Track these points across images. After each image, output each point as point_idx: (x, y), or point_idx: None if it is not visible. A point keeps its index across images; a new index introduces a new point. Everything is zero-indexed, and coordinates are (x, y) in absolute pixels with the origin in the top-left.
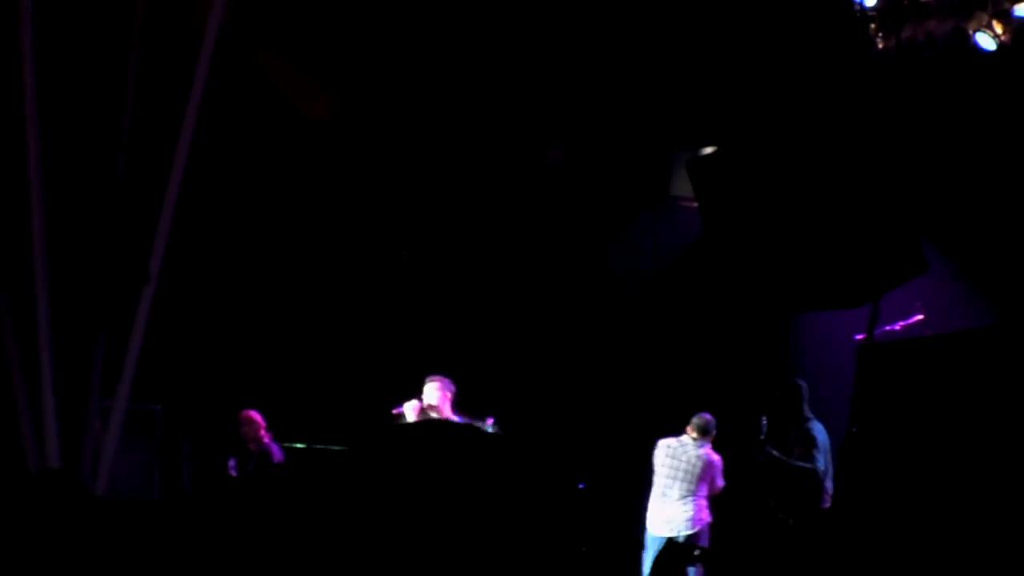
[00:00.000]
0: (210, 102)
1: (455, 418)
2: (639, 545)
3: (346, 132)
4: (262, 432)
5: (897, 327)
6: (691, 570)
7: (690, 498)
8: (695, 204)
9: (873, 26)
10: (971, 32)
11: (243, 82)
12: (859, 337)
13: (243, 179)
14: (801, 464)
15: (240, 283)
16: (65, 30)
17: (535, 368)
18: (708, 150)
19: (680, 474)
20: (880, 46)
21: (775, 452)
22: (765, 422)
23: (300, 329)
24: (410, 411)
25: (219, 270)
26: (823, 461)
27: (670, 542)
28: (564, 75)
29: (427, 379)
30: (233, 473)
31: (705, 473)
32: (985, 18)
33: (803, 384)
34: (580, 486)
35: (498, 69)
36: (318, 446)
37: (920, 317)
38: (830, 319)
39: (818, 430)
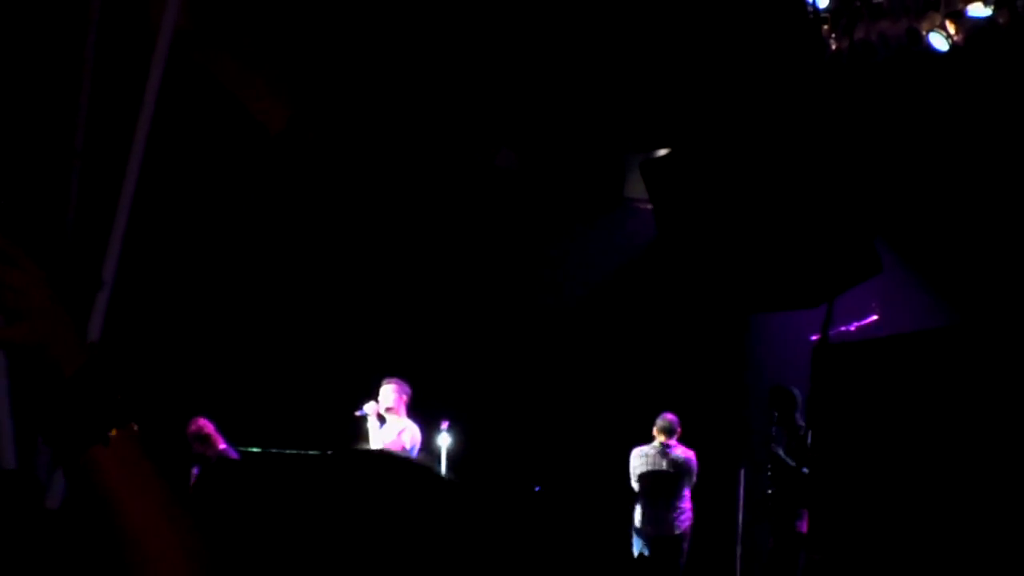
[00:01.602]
0: (165, 106)
1: (410, 421)
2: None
3: (303, 135)
4: (216, 439)
5: (852, 328)
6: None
7: (677, 500)
8: (649, 206)
9: (826, 27)
10: (924, 33)
11: (198, 87)
12: (814, 338)
13: (198, 183)
14: (794, 464)
15: (193, 288)
16: (17, 31)
17: (491, 370)
18: (662, 152)
19: (664, 478)
20: (833, 47)
21: (781, 453)
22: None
23: (254, 333)
24: (372, 413)
25: (173, 275)
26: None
27: (659, 545)
28: (516, 78)
29: (384, 381)
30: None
31: (687, 472)
32: (938, 19)
33: (796, 392)
34: (536, 489)
35: (450, 73)
36: (273, 450)
37: (875, 317)
38: (786, 320)
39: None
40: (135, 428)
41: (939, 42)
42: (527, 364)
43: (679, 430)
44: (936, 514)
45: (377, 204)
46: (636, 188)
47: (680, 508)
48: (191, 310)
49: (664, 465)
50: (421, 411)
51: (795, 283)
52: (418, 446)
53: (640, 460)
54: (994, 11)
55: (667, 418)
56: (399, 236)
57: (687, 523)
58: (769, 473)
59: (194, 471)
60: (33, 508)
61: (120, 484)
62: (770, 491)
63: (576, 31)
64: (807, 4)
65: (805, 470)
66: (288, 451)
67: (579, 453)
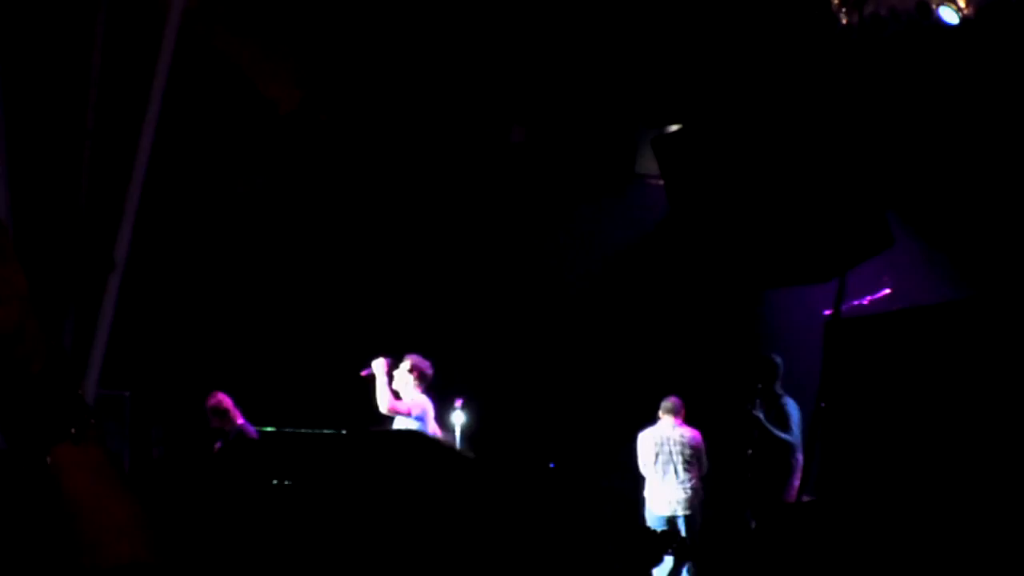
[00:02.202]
0: (176, 87)
1: (419, 394)
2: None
3: (315, 116)
4: (234, 414)
5: (865, 301)
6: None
7: (688, 478)
8: (661, 182)
9: (836, 1)
10: (934, 6)
11: (209, 67)
12: (827, 312)
13: (210, 164)
14: (778, 433)
15: (207, 267)
16: (27, 15)
17: (504, 348)
18: (673, 128)
19: (676, 457)
20: (844, 21)
21: (759, 414)
22: (760, 388)
23: (267, 312)
24: (379, 370)
25: (186, 255)
26: (797, 434)
27: (653, 531)
28: (527, 53)
29: (404, 357)
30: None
31: (696, 451)
32: None
33: (779, 360)
34: (550, 465)
35: (461, 49)
36: (288, 429)
37: (887, 291)
38: (799, 295)
39: (791, 406)
40: (93, 422)
41: (949, 15)
42: (540, 341)
43: (682, 411)
44: (949, 486)
45: (391, 182)
46: (648, 164)
47: (689, 487)
48: (201, 289)
49: (672, 445)
50: (436, 389)
51: (807, 258)
52: (428, 416)
53: (648, 441)
54: None
55: (671, 400)
56: (414, 214)
57: (697, 501)
58: (756, 435)
59: (217, 445)
60: (22, 488)
61: (82, 480)
62: (750, 451)
63: (587, 7)
64: None
65: (787, 437)
66: (304, 430)
67: (592, 430)
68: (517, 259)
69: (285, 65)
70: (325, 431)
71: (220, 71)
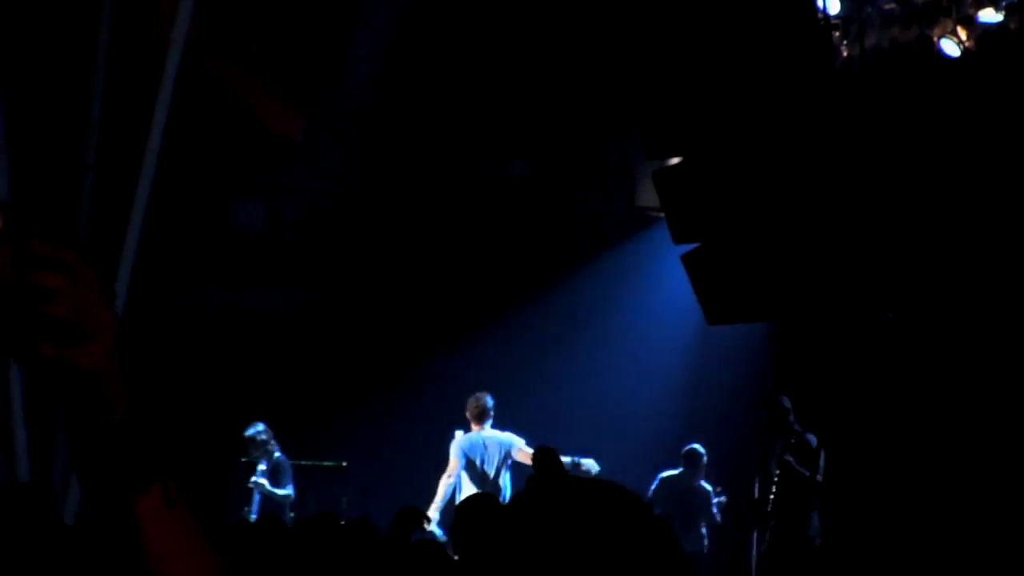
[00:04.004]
0: (176, 119)
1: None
2: None
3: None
4: (272, 445)
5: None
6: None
7: (698, 526)
8: (661, 215)
9: (837, 34)
10: (936, 39)
11: (209, 98)
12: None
13: (212, 194)
14: (804, 472)
15: (210, 294)
16: (30, 48)
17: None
18: (674, 161)
19: (688, 508)
20: (845, 54)
21: (789, 459)
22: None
23: (270, 339)
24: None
25: (188, 282)
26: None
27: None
28: (526, 89)
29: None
30: (262, 479)
31: (705, 503)
32: (950, 25)
33: (786, 399)
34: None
35: (461, 85)
36: (304, 462)
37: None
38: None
39: (812, 440)
40: (173, 473)
41: (951, 48)
42: (540, 376)
43: (704, 463)
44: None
45: (397, 219)
46: (648, 197)
47: (699, 534)
48: (207, 316)
49: (689, 492)
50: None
51: (804, 290)
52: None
53: (666, 487)
54: (1005, 17)
55: (693, 447)
56: (419, 250)
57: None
58: (776, 479)
59: (258, 474)
60: (47, 520)
61: (163, 534)
62: (772, 496)
63: (588, 41)
64: (818, 11)
65: (818, 477)
66: (304, 462)
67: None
68: (519, 292)
69: (286, 93)
70: (326, 463)
71: (220, 100)
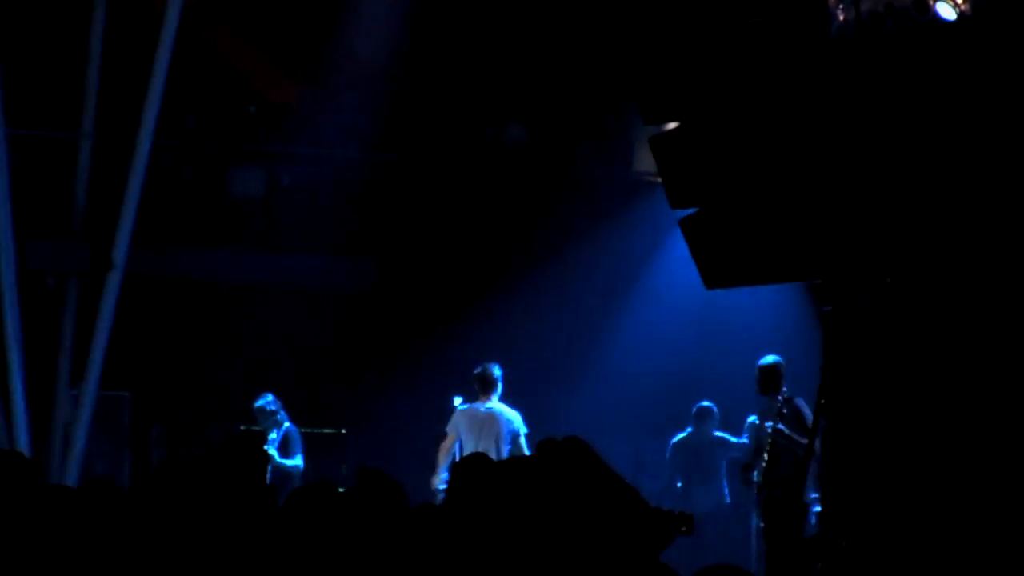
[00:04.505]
0: (173, 89)
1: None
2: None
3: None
4: (280, 416)
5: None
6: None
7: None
8: (659, 180)
9: None
10: (931, 2)
11: (205, 67)
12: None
13: (210, 164)
14: (799, 439)
15: (207, 267)
16: (25, 17)
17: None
18: (671, 126)
19: (704, 464)
20: (841, 18)
21: (781, 427)
22: (782, 399)
23: (265, 311)
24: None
25: (185, 255)
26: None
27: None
28: (522, 55)
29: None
30: (272, 449)
31: (721, 454)
32: None
33: (780, 359)
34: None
35: (459, 51)
36: (303, 429)
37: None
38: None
39: (804, 406)
40: None
41: (947, 11)
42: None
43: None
44: (954, 482)
45: (395, 189)
46: (646, 162)
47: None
48: (201, 289)
49: (701, 448)
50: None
51: (808, 253)
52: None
53: (682, 449)
54: None
55: (702, 406)
56: (420, 222)
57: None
58: (768, 448)
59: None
60: (39, 488)
61: None
62: (763, 463)
63: (585, 6)
64: None
65: (803, 440)
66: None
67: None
68: (519, 262)
69: (280, 61)
70: (325, 430)
71: (215, 68)
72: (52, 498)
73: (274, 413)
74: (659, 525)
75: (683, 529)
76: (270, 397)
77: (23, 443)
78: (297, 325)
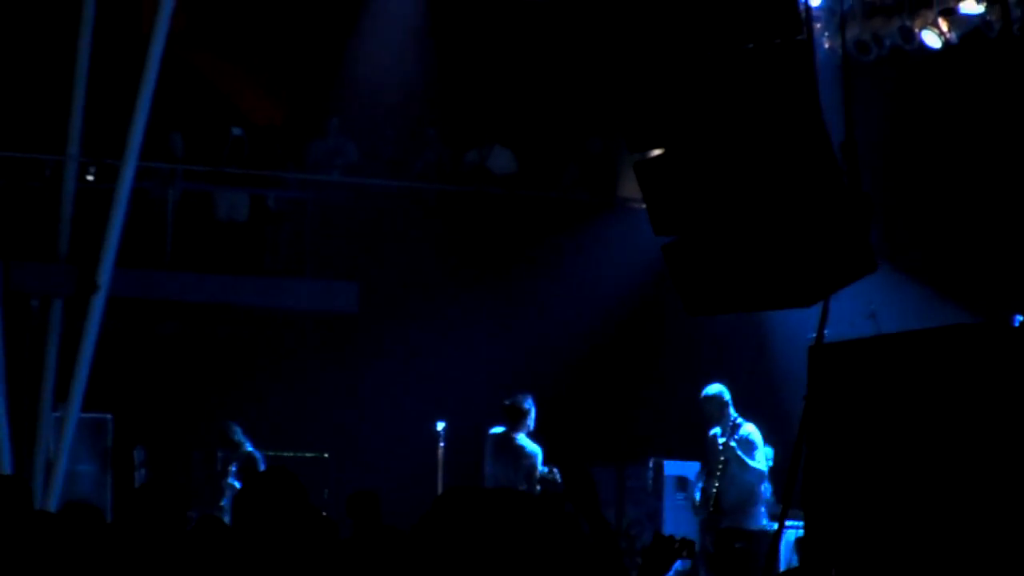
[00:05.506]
0: (159, 111)
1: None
2: None
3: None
4: (242, 442)
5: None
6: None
7: None
8: (643, 206)
9: (819, 25)
10: (917, 30)
11: (192, 90)
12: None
13: (195, 185)
14: (749, 461)
15: (191, 290)
16: (12, 39)
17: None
18: (655, 152)
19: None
20: (827, 45)
21: (733, 443)
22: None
23: (249, 335)
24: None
25: (170, 278)
26: (766, 462)
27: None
28: (510, 79)
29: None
30: (233, 481)
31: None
32: (931, 16)
33: (722, 387)
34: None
35: (445, 76)
36: (286, 453)
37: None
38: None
39: (753, 431)
40: None
41: (932, 39)
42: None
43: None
44: (935, 514)
45: (385, 210)
46: (630, 188)
47: None
48: (185, 311)
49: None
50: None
51: (790, 281)
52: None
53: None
54: (986, 9)
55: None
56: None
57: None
58: (719, 473)
59: (232, 468)
60: (24, 510)
61: None
62: (716, 485)
63: (571, 34)
64: (799, 3)
65: (756, 466)
66: (287, 453)
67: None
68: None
69: (266, 83)
70: (307, 454)
71: (204, 93)
72: (33, 522)
73: (237, 442)
74: (661, 550)
75: (684, 554)
76: (232, 426)
77: (6, 465)
78: (281, 348)
